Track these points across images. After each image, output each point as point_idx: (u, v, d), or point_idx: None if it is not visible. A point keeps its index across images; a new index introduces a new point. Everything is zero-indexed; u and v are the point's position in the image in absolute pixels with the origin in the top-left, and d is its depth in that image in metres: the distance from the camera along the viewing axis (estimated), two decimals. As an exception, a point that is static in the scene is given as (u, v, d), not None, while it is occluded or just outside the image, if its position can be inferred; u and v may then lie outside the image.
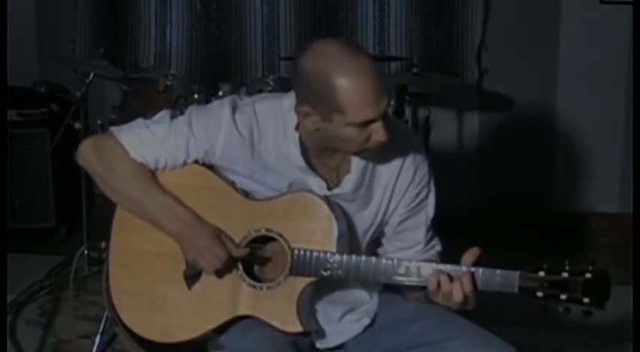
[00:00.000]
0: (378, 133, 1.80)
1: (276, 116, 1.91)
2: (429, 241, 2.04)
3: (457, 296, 1.78)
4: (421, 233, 2.02)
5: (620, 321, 2.75)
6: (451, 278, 1.79)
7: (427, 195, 2.01)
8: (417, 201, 1.99)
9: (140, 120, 2.00)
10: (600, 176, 4.39)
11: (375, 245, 2.05)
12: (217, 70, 4.41)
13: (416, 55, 4.23)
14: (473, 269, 1.79)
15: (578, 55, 4.30)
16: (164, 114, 1.99)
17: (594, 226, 4.32)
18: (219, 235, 1.91)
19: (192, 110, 1.98)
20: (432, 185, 2.01)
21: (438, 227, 2.06)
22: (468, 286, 1.77)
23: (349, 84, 1.75)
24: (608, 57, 4.26)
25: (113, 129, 2.00)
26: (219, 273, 1.91)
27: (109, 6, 4.52)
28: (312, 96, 1.80)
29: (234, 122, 1.90)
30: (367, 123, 1.79)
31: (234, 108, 1.92)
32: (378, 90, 1.77)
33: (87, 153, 1.99)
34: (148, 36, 4.46)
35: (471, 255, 1.81)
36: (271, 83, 3.45)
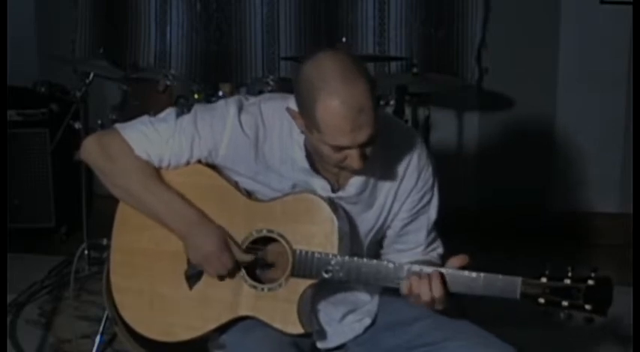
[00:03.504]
0: (352, 160, 1.78)
1: (282, 117, 1.89)
2: (429, 244, 2.03)
3: (425, 296, 1.77)
4: (422, 236, 2.01)
5: (620, 321, 2.75)
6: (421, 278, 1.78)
7: (430, 199, 1.99)
8: (420, 205, 1.98)
9: (145, 117, 1.99)
10: (600, 176, 4.39)
11: (378, 247, 2.04)
12: (217, 70, 4.42)
13: (416, 55, 4.24)
14: (443, 270, 1.78)
15: (578, 55, 4.31)
16: (169, 111, 1.98)
17: (594, 226, 4.33)
18: (225, 239, 1.90)
19: (198, 109, 1.97)
20: (435, 189, 1.99)
21: (440, 229, 2.05)
22: (436, 286, 1.76)
23: (328, 107, 1.71)
24: (608, 57, 4.27)
25: (118, 125, 1.99)
26: (222, 277, 1.91)
27: (108, 6, 4.53)
28: (300, 103, 1.80)
29: (240, 122, 1.90)
30: (342, 148, 1.76)
31: (240, 109, 1.91)
32: (357, 121, 1.71)
33: (91, 149, 1.98)
34: (148, 36, 4.47)
35: (458, 260, 1.80)
36: (271, 83, 3.44)
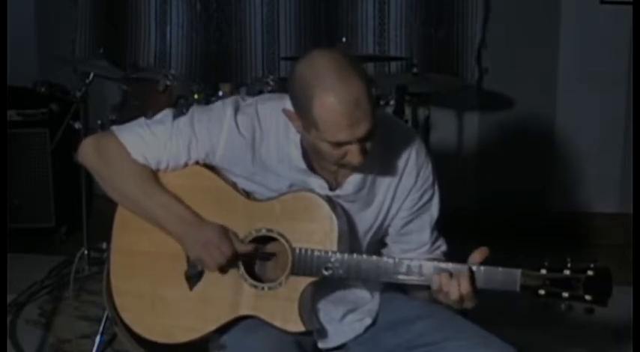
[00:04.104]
0: (352, 156, 1.78)
1: (278, 117, 1.89)
2: (434, 242, 2.03)
3: (453, 295, 1.77)
4: (426, 235, 2.01)
5: (620, 321, 2.75)
6: (452, 277, 1.79)
7: (431, 197, 1.99)
8: (421, 203, 1.98)
9: (142, 120, 1.99)
10: (600, 176, 4.39)
11: (379, 246, 2.05)
12: (217, 70, 4.42)
13: (416, 55, 4.24)
14: (474, 268, 1.78)
15: (578, 55, 4.31)
16: (166, 113, 1.98)
17: (594, 226, 4.32)
18: (226, 232, 1.90)
19: (195, 111, 1.97)
20: (436, 186, 1.99)
21: (442, 227, 2.05)
22: (465, 285, 1.77)
23: (325, 104, 1.72)
24: (608, 57, 4.27)
25: (114, 128, 2.00)
26: (222, 270, 1.91)
27: (108, 6, 4.53)
28: (296, 103, 1.80)
29: (236, 124, 1.90)
30: (342, 144, 1.77)
31: (236, 110, 1.91)
32: (354, 116, 1.72)
33: (88, 152, 1.99)
34: (148, 36, 4.46)
35: (478, 254, 1.80)
36: (271, 83, 3.44)
